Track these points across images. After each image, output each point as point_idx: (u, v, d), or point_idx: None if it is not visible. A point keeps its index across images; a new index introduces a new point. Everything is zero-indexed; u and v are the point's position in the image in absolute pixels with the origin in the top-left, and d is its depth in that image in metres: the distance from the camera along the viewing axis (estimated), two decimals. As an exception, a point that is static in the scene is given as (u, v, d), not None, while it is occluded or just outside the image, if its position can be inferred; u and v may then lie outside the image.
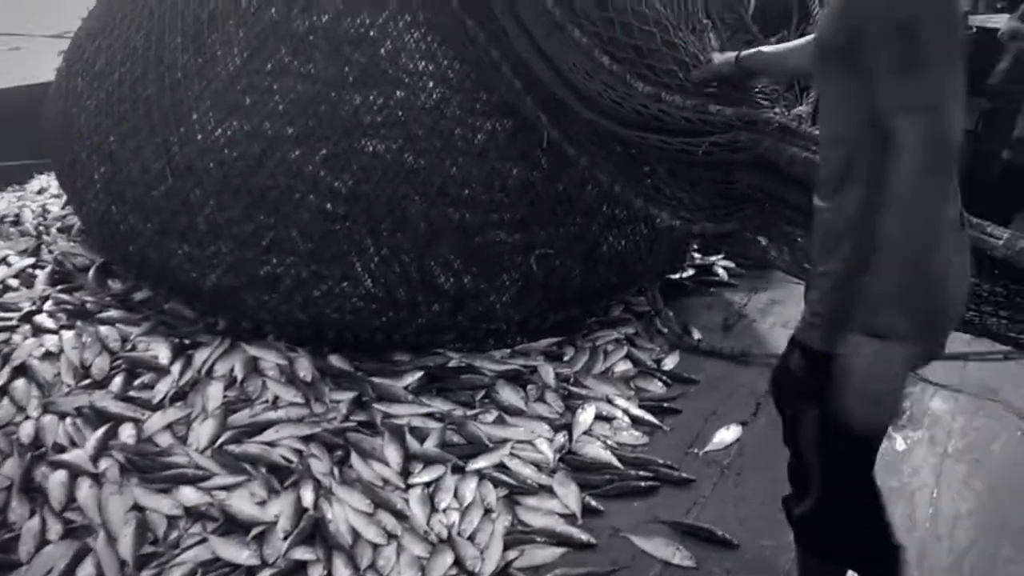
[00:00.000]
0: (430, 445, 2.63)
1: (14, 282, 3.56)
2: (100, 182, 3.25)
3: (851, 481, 1.64)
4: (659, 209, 2.54)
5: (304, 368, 2.91)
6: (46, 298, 3.37)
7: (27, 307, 3.32)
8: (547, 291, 3.09)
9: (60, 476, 2.46)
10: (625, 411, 2.83)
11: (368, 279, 2.92)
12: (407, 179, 2.84)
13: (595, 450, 2.64)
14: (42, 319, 3.22)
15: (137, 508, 2.37)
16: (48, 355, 3.01)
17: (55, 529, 2.32)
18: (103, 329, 3.12)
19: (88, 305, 3.30)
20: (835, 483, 1.63)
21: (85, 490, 2.43)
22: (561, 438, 2.68)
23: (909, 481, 2.54)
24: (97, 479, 2.47)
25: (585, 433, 2.71)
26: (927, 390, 2.95)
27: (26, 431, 2.65)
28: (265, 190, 2.87)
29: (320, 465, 2.53)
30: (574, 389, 2.93)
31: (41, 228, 4.00)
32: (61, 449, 2.59)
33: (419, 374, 2.92)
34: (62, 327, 3.16)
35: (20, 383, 2.87)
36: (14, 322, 3.21)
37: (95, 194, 3.28)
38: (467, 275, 2.97)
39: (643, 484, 2.50)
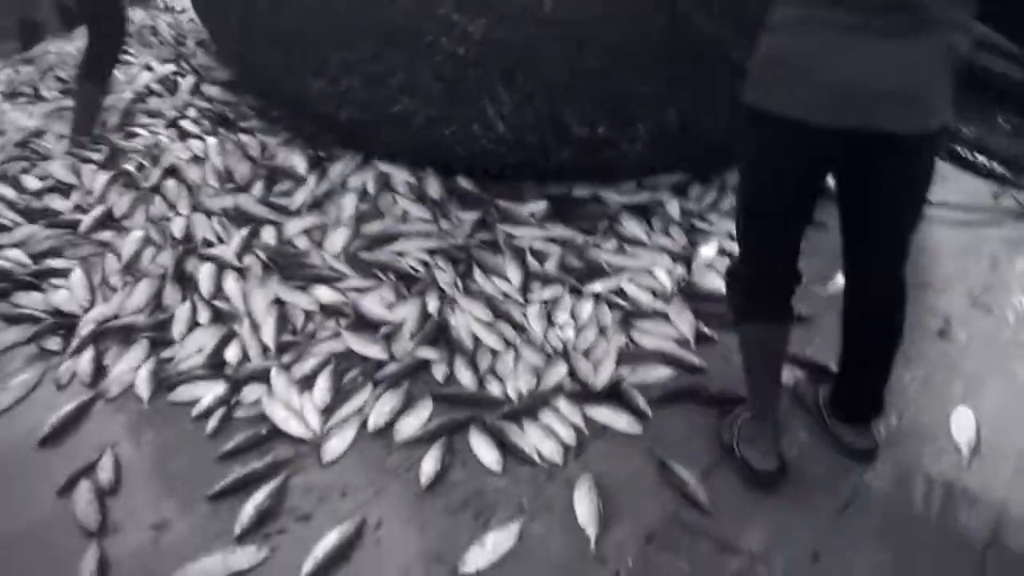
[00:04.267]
0: (550, 266, 2.69)
1: (157, 87, 3.74)
2: (234, 19, 3.31)
3: (754, 245, 1.87)
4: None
5: (433, 187, 2.99)
6: (189, 105, 3.54)
7: (172, 113, 3.50)
8: (682, 143, 3.02)
9: (209, 268, 2.65)
10: (747, 248, 2.80)
11: (499, 123, 2.91)
12: (545, 25, 2.76)
13: (713, 282, 2.65)
14: (187, 125, 3.39)
15: (277, 301, 2.54)
16: (195, 159, 3.19)
17: (204, 314, 2.52)
18: (244, 137, 3.28)
19: (229, 114, 3.44)
20: (742, 244, 1.89)
21: (231, 282, 2.62)
22: (680, 269, 2.70)
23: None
24: (242, 273, 2.65)
25: (706, 267, 2.71)
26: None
27: (178, 226, 2.85)
28: (396, 30, 2.86)
29: (445, 276, 2.64)
30: (698, 224, 2.91)
31: (179, 38, 4.13)
32: (209, 244, 2.78)
33: (544, 203, 2.95)
34: (206, 133, 3.33)
35: (171, 183, 3.07)
36: (161, 127, 3.40)
37: (230, 32, 3.36)
38: (601, 124, 2.91)
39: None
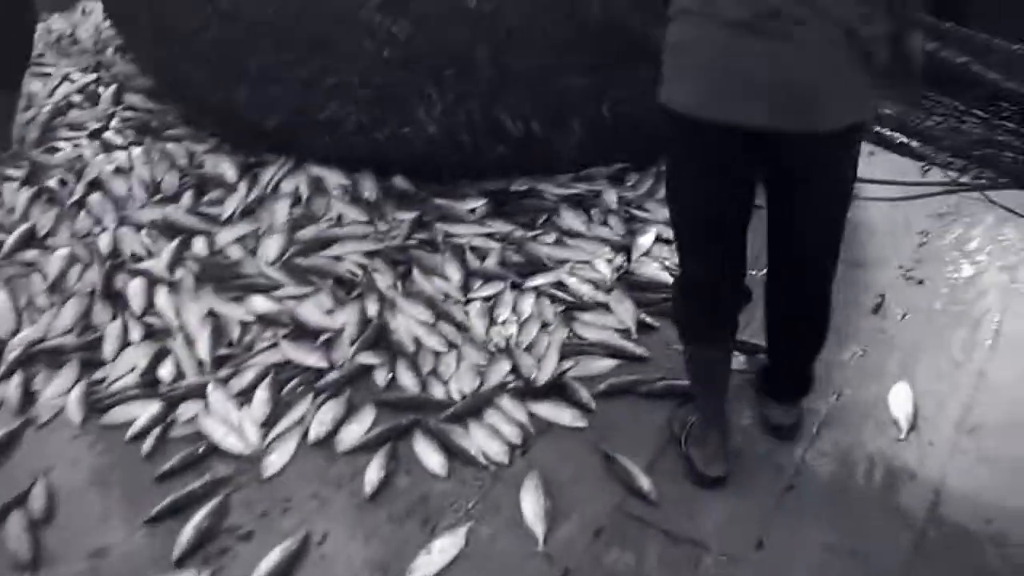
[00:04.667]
0: (490, 263, 2.67)
1: (78, 98, 3.63)
2: (149, 28, 3.20)
3: (688, 256, 1.83)
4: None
5: (368, 188, 2.95)
6: (111, 116, 3.44)
7: (94, 125, 3.40)
8: (616, 135, 2.98)
9: (139, 283, 2.58)
10: (685, 234, 2.81)
11: (431, 125, 2.86)
12: (471, 23, 2.71)
13: (653, 270, 2.65)
14: (110, 136, 3.30)
15: (212, 314, 2.48)
16: (119, 171, 3.10)
17: (136, 332, 2.44)
18: (170, 146, 3.20)
19: (153, 123, 3.36)
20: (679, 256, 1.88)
21: (163, 296, 2.54)
22: (620, 259, 2.70)
23: (973, 306, 2.51)
24: (174, 287, 2.57)
25: (644, 255, 2.72)
26: (998, 215, 2.85)
27: (104, 242, 2.76)
28: (319, 35, 2.79)
29: (384, 279, 2.60)
30: (636, 212, 2.91)
31: (99, 46, 4.02)
32: (138, 259, 2.70)
33: (483, 201, 2.91)
34: (130, 143, 3.24)
35: (96, 197, 2.98)
36: (84, 139, 3.31)
37: (147, 39, 3.27)
38: (535, 120, 2.87)
39: (699, 303, 2.51)
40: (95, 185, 3.03)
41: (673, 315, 1.97)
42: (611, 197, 2.95)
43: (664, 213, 2.83)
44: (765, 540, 1.81)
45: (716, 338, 1.89)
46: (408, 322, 2.45)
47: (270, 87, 2.94)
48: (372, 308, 2.49)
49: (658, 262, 2.69)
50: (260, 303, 2.52)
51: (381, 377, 2.30)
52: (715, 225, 1.75)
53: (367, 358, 2.34)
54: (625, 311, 2.49)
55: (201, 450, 2.07)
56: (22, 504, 1.94)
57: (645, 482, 1.93)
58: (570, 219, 2.86)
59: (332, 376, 2.29)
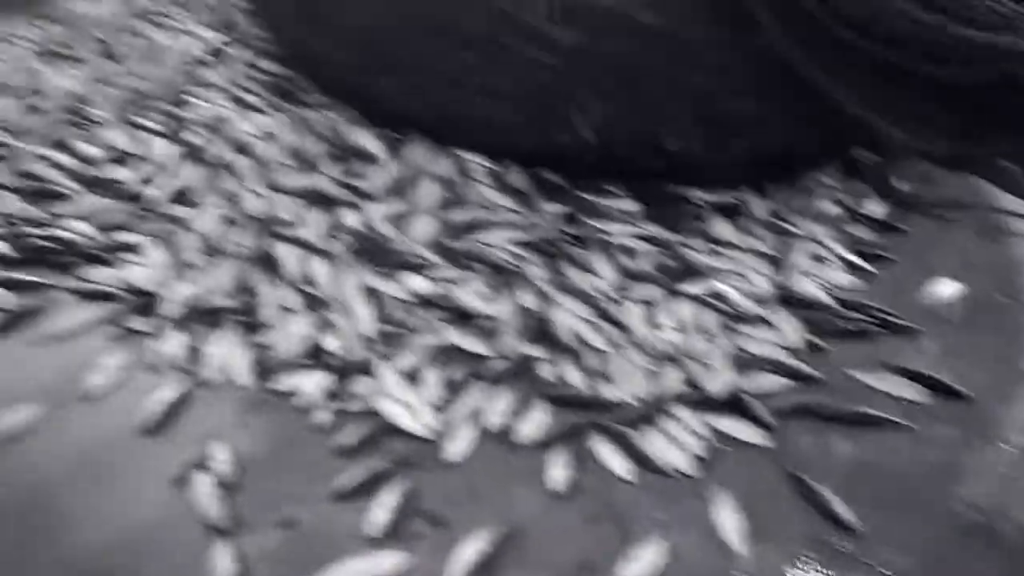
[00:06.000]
0: (644, 264, 2.63)
1: (208, 57, 3.60)
2: (293, 5, 3.14)
3: None
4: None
5: (518, 177, 2.90)
6: (248, 77, 3.41)
7: (229, 85, 3.37)
8: (773, 161, 2.92)
9: (294, 251, 2.55)
10: (837, 254, 2.77)
11: (588, 134, 2.78)
12: (642, 38, 2.61)
13: (811, 288, 2.60)
14: (249, 98, 3.26)
15: (370, 289, 2.44)
16: (263, 135, 3.07)
17: (294, 299, 2.40)
18: (311, 114, 3.16)
19: (292, 89, 3.32)
20: None
21: (319, 266, 2.51)
22: (776, 274, 2.65)
23: None
24: (329, 257, 2.54)
25: (802, 273, 2.66)
26: None
27: (254, 205, 2.73)
28: (472, 33, 2.70)
29: (538, 271, 2.56)
30: (784, 225, 2.85)
31: (223, 4, 3.99)
32: (289, 225, 2.67)
33: (634, 202, 2.85)
34: (270, 107, 3.20)
35: (242, 159, 2.94)
36: (223, 101, 3.27)
37: (289, 20, 3.21)
38: (695, 141, 2.80)
39: (865, 326, 2.46)
40: (238, 146, 3.00)
41: None
42: (759, 207, 2.90)
43: (813, 228, 2.81)
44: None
45: None
46: (569, 317, 2.41)
47: (417, 77, 2.88)
48: (529, 299, 2.45)
49: (813, 279, 2.63)
50: (419, 283, 2.48)
51: (548, 371, 2.25)
52: None
53: (533, 350, 2.30)
54: (791, 328, 2.43)
55: (378, 427, 2.04)
56: (205, 464, 1.91)
57: (843, 510, 1.88)
58: (720, 227, 2.81)
59: (499, 365, 2.25)
